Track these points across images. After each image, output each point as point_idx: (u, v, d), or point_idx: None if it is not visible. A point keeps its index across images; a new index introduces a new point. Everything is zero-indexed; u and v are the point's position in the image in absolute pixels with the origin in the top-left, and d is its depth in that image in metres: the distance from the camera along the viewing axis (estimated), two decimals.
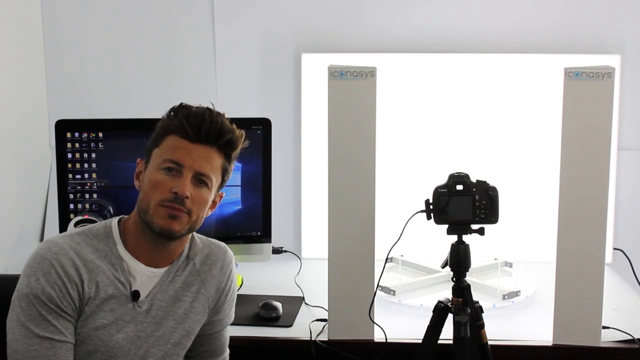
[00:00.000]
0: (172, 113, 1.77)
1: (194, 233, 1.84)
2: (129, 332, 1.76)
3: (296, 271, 2.70)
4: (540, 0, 2.91)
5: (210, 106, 1.79)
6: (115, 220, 1.80)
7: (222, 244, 1.92)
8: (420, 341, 2.06)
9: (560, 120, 2.17)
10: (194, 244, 1.86)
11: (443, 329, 2.04)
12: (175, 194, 1.71)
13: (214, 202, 1.81)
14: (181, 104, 1.79)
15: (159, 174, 1.73)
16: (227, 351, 1.97)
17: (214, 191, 1.78)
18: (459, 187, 2.01)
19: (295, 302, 2.48)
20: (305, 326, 2.31)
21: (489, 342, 2.05)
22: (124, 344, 1.75)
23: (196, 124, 1.74)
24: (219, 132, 1.75)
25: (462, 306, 2.01)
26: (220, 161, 1.77)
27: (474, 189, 2.01)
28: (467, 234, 2.02)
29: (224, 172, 1.80)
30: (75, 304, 1.70)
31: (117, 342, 1.74)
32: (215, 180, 1.77)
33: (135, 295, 1.76)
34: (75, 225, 2.35)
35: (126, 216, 1.81)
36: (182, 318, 1.82)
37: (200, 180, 1.74)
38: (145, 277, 1.78)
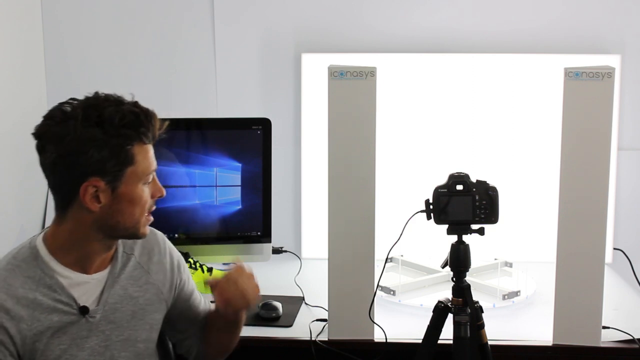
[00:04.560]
0: (115, 121, 1.65)
1: None
2: (92, 346, 1.74)
3: (296, 271, 2.70)
4: (540, 1, 2.91)
5: (116, 95, 1.72)
6: (39, 237, 1.74)
7: (149, 227, 1.85)
8: (420, 341, 2.06)
9: (560, 120, 2.17)
10: None
11: (443, 329, 2.04)
12: (159, 197, 1.74)
13: None
14: (100, 113, 1.65)
15: (143, 188, 1.71)
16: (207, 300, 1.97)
17: None
18: (459, 187, 2.01)
19: (295, 302, 2.48)
20: (305, 326, 2.31)
21: (489, 342, 2.05)
22: (90, 358, 1.73)
23: (152, 124, 1.70)
24: (159, 122, 1.73)
25: (462, 306, 2.01)
26: None
27: (474, 189, 2.01)
28: (467, 234, 2.02)
29: None
30: (10, 349, 1.65)
31: (84, 358, 1.72)
32: None
33: (84, 310, 1.72)
34: None
35: (47, 229, 1.76)
36: (141, 314, 1.81)
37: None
38: (88, 285, 1.74)
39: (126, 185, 1.69)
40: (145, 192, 1.72)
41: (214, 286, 1.85)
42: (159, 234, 1.91)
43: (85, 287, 1.74)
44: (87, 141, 1.64)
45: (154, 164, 1.73)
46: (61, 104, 1.70)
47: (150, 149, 1.72)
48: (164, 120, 1.74)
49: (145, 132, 1.69)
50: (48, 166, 1.68)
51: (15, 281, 1.68)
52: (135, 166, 1.69)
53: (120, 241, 1.81)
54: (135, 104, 1.70)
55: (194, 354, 1.99)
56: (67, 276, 1.72)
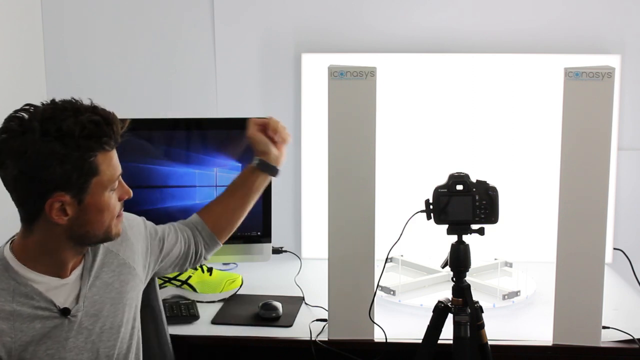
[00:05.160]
0: (75, 133, 1.60)
1: None
2: (78, 344, 1.74)
3: (296, 271, 2.70)
4: (540, 1, 2.91)
5: (63, 101, 1.67)
6: (6, 247, 1.72)
7: None
8: (420, 341, 2.06)
9: (560, 120, 2.17)
10: None
11: (443, 329, 2.04)
12: (126, 199, 1.74)
13: None
14: (59, 126, 1.60)
15: (110, 196, 1.70)
16: (175, 224, 2.04)
17: None
18: (459, 187, 2.00)
19: (295, 302, 2.48)
20: (305, 326, 2.31)
21: (489, 342, 2.05)
22: (78, 357, 1.73)
23: (114, 131, 1.66)
24: (120, 126, 1.70)
25: (462, 306, 2.01)
26: None
27: (474, 189, 2.01)
28: (467, 234, 2.02)
29: None
30: None
31: (72, 359, 1.72)
32: None
33: (65, 311, 1.71)
34: None
35: (13, 238, 1.74)
36: (118, 298, 1.80)
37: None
38: (65, 287, 1.73)
39: (92, 195, 1.66)
40: (112, 198, 1.70)
41: (262, 124, 2.06)
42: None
43: (62, 289, 1.72)
44: (47, 156, 1.59)
45: (118, 169, 1.70)
46: (16, 111, 1.65)
47: (114, 155, 1.69)
48: (123, 120, 1.70)
49: (107, 140, 1.65)
50: (9, 182, 1.64)
51: None
52: (100, 176, 1.65)
53: None
54: (94, 109, 1.65)
55: (209, 249, 2.07)
56: (42, 282, 1.69)
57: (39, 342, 1.68)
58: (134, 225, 1.91)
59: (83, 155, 1.62)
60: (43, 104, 1.65)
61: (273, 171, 2.08)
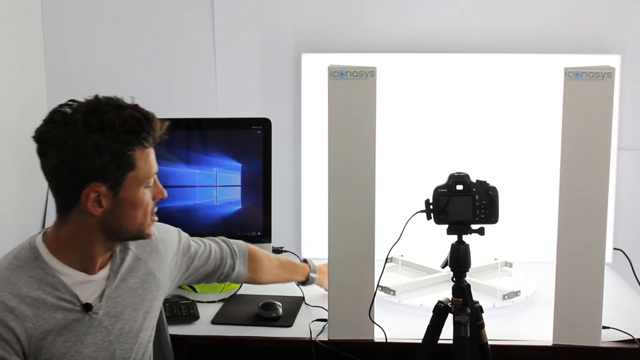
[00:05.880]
0: (116, 126, 1.65)
1: None
2: (95, 341, 1.75)
3: None
4: (540, 1, 2.91)
5: (116, 98, 1.72)
6: (38, 237, 1.74)
7: None
8: (420, 341, 2.06)
9: (560, 120, 2.17)
10: None
11: (443, 329, 2.04)
12: (160, 199, 1.76)
13: None
14: (101, 118, 1.65)
15: (145, 192, 1.72)
16: (221, 243, 2.15)
17: None
18: (459, 187, 2.00)
19: (295, 302, 2.48)
20: (305, 326, 2.31)
21: (489, 342, 2.05)
22: (94, 354, 1.75)
23: (153, 128, 1.70)
24: (159, 125, 1.73)
25: (462, 306, 2.01)
26: None
27: (474, 189, 2.01)
28: (467, 234, 2.02)
29: None
30: (15, 347, 1.66)
31: (88, 356, 1.74)
32: None
33: (87, 307, 1.73)
34: None
35: (47, 229, 1.76)
36: (140, 304, 1.83)
37: None
38: (90, 284, 1.75)
39: (127, 189, 1.69)
40: (146, 195, 1.73)
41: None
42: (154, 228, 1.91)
43: (87, 285, 1.75)
44: (88, 147, 1.64)
45: (155, 167, 1.73)
46: (61, 106, 1.70)
47: (151, 153, 1.73)
48: (163, 120, 1.74)
49: (147, 136, 1.69)
50: (49, 170, 1.68)
51: (18, 280, 1.68)
52: (137, 171, 1.69)
53: None
54: (135, 107, 1.70)
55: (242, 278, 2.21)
56: (70, 275, 1.72)
57: (59, 333, 1.70)
58: (167, 238, 1.95)
59: (122, 148, 1.66)
60: (86, 99, 1.70)
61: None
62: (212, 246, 2.10)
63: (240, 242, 2.21)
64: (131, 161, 1.68)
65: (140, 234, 1.76)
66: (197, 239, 2.09)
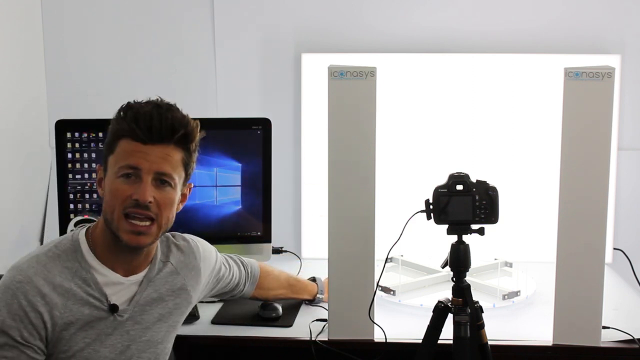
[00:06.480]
0: (120, 114, 1.72)
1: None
2: (115, 344, 1.76)
3: (296, 271, 2.69)
4: (540, 1, 2.91)
5: (159, 99, 1.75)
6: (82, 231, 1.76)
7: (187, 235, 1.95)
8: (420, 341, 2.06)
9: (560, 120, 2.17)
10: (166, 244, 1.88)
11: (443, 329, 2.04)
12: (136, 200, 1.69)
13: (184, 195, 1.80)
14: (129, 103, 1.74)
15: (118, 181, 1.70)
16: (240, 265, 2.20)
17: (179, 188, 1.76)
18: (459, 187, 2.00)
19: (295, 302, 2.48)
20: (305, 326, 2.31)
21: (489, 342, 2.05)
22: (111, 355, 1.75)
23: (145, 125, 1.69)
24: (172, 129, 1.71)
25: (462, 306, 2.01)
26: (179, 156, 1.74)
27: (474, 189, 2.01)
28: (467, 234, 2.02)
29: (186, 166, 1.77)
30: (41, 333, 1.67)
31: (104, 356, 1.74)
32: (178, 177, 1.75)
33: (114, 308, 1.74)
34: (76, 225, 2.35)
35: (92, 224, 1.79)
36: (166, 317, 1.84)
37: (162, 180, 1.72)
38: (122, 286, 1.76)
39: (108, 175, 1.73)
40: (121, 187, 1.70)
41: None
42: (196, 242, 1.97)
43: (119, 287, 1.76)
44: (110, 133, 1.74)
45: (130, 160, 1.70)
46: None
47: (141, 148, 1.69)
48: (189, 134, 1.76)
49: (138, 130, 1.68)
50: None
51: (54, 268, 1.70)
52: (114, 155, 1.71)
53: (158, 249, 1.84)
54: (156, 104, 1.73)
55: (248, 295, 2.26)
56: (103, 274, 1.74)
57: (81, 328, 1.71)
58: (207, 258, 1.99)
59: (114, 131, 1.72)
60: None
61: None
62: (234, 270, 2.15)
63: (254, 262, 2.25)
64: (113, 146, 1.72)
65: (116, 231, 1.71)
66: (223, 258, 2.12)
